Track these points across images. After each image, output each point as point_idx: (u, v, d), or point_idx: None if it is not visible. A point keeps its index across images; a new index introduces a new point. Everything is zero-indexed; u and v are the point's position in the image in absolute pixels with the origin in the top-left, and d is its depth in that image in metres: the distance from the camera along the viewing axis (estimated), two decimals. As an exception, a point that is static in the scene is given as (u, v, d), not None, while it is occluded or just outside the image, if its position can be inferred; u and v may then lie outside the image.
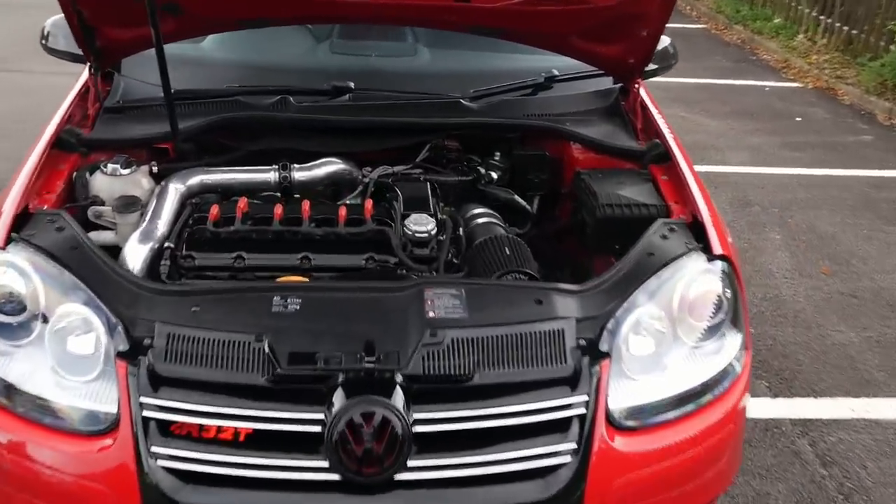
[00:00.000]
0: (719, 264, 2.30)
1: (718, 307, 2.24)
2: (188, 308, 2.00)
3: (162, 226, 2.40)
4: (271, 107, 2.83)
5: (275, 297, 2.03)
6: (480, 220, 2.57)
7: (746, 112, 8.32)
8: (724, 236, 2.42)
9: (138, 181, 2.59)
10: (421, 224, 2.34)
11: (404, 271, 2.29)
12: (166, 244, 2.33)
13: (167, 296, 2.04)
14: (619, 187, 2.63)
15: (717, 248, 2.33)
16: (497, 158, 2.89)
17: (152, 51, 2.73)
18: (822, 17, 10.63)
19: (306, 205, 2.42)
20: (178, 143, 2.67)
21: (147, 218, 2.40)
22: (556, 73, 3.09)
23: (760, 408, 3.68)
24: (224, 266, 2.32)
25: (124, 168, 2.55)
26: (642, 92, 3.11)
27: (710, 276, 2.26)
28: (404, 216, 2.41)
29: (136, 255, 2.28)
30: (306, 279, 2.15)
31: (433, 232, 2.34)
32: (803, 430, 3.59)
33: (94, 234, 2.46)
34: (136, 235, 2.34)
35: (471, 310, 2.02)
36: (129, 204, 2.45)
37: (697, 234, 2.39)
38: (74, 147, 2.63)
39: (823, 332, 4.37)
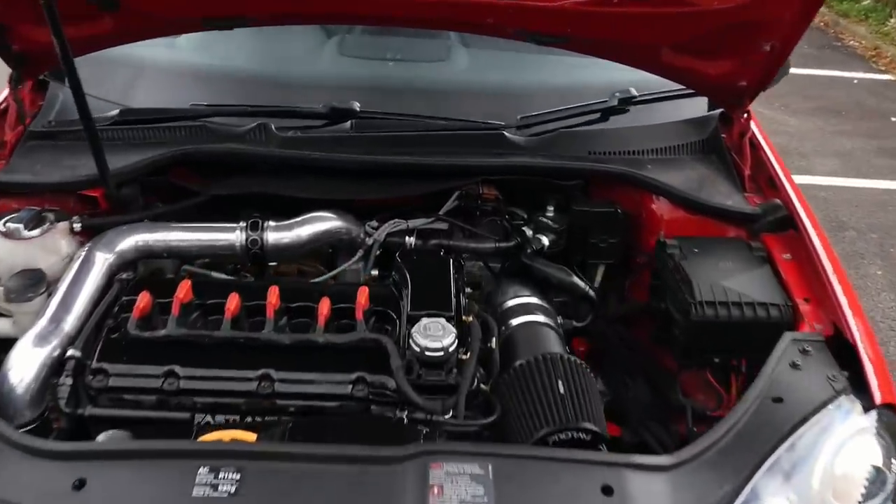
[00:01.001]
0: (877, 416, 1.52)
1: (876, 485, 1.46)
2: (68, 482, 1.30)
3: (72, 319, 1.70)
4: (247, 135, 2.10)
5: (200, 470, 1.32)
6: (521, 319, 1.80)
7: (833, 109, 7.30)
8: (882, 362, 1.63)
9: (53, 246, 1.88)
10: (434, 335, 1.58)
11: (404, 414, 1.55)
12: (70, 351, 1.62)
13: (37, 459, 1.34)
14: (724, 273, 1.84)
15: (876, 391, 1.54)
16: (550, 214, 2.11)
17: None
18: (919, -1, 9.45)
19: (273, 294, 1.69)
20: (111, 189, 1.95)
21: (51, 307, 1.70)
22: (633, 92, 2.27)
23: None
24: (149, 388, 1.60)
25: (30, 227, 1.84)
26: (753, 124, 2.29)
27: (867, 440, 1.48)
28: (411, 319, 1.66)
29: (24, 366, 1.58)
30: (251, 435, 1.42)
31: (451, 348, 1.59)
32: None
33: (-18, 323, 1.77)
34: (29, 336, 1.63)
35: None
36: (28, 285, 1.74)
37: (840, 354, 1.61)
38: (-30, 192, 1.94)
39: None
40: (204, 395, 1.60)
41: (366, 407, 1.61)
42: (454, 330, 1.60)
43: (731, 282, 1.82)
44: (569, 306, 2.08)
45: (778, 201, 2.03)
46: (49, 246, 1.86)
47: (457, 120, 2.18)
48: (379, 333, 1.67)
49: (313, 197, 2.04)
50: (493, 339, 1.69)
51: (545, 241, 2.05)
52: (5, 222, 1.83)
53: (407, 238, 2.07)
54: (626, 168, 2.10)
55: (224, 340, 1.63)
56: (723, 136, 2.27)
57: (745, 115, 2.21)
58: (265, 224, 1.96)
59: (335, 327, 1.71)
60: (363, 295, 1.69)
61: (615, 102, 2.25)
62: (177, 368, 1.61)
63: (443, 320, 1.62)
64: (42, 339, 1.62)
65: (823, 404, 1.50)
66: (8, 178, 1.97)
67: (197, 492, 1.29)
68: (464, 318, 1.71)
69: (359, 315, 1.66)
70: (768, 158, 2.19)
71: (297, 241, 1.97)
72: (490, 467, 1.34)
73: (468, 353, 1.61)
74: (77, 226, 1.91)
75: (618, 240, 2.13)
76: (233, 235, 1.95)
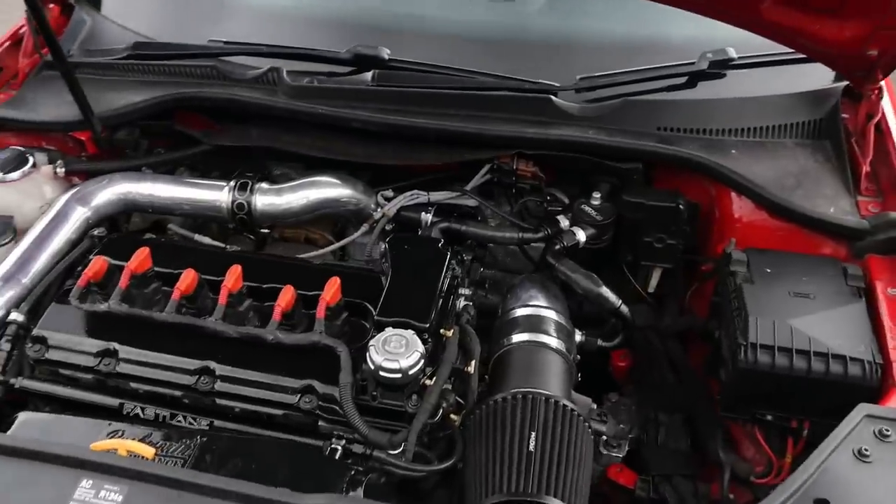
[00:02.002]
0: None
1: None
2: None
3: (31, 274, 1.56)
4: (257, 80, 1.85)
5: (83, 482, 1.14)
6: (523, 337, 1.46)
7: None
8: None
9: (34, 190, 1.74)
10: (393, 353, 1.29)
11: (346, 445, 1.29)
12: (12, 314, 1.48)
13: None
14: (798, 306, 1.42)
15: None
16: (595, 203, 1.72)
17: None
18: None
19: (231, 276, 1.46)
20: (96, 132, 1.77)
21: (8, 261, 1.56)
22: (731, 53, 1.79)
23: None
24: (84, 366, 1.44)
25: (7, 170, 1.70)
26: (886, 103, 1.77)
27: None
28: (378, 325, 1.38)
29: (-32, 323, 1.47)
30: (150, 450, 1.21)
31: (412, 371, 1.29)
32: None
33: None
34: (-20, 288, 1.51)
35: None
36: (-8, 232, 1.61)
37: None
38: (-33, 125, 1.83)
39: None
40: (140, 382, 1.42)
41: (313, 421, 1.37)
42: (420, 348, 1.31)
43: (804, 320, 1.39)
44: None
45: (894, 214, 1.54)
46: (30, 191, 1.73)
47: (499, 76, 1.81)
48: (340, 334, 1.41)
49: (322, 156, 1.78)
50: (473, 363, 1.38)
51: (581, 236, 1.68)
52: (-16, 162, 1.71)
53: (423, 214, 1.78)
54: (699, 153, 1.67)
55: (166, 325, 1.43)
56: (844, 116, 1.77)
57: (876, 93, 1.70)
58: (255, 186, 1.72)
59: (301, 319, 1.47)
60: (331, 288, 1.43)
61: (705, 65, 1.78)
62: (117, 347, 1.43)
63: (410, 333, 1.32)
64: (-7, 293, 1.49)
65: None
66: (4, 112, 1.84)
67: (74, 507, 1.12)
68: (443, 330, 1.40)
69: (319, 312, 1.40)
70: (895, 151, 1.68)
71: (288, 208, 1.72)
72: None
73: (433, 378, 1.31)
74: (60, 170, 1.76)
75: (678, 241, 1.72)
76: (220, 195, 1.73)
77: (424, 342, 1.35)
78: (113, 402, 1.42)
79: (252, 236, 1.88)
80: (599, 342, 1.63)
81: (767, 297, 1.44)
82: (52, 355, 1.45)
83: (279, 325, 1.41)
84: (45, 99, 1.88)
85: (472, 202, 1.80)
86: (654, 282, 1.83)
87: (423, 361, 1.31)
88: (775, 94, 1.80)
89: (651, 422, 1.61)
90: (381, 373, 1.29)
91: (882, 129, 1.74)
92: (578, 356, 1.59)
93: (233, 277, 1.45)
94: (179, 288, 1.44)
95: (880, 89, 1.70)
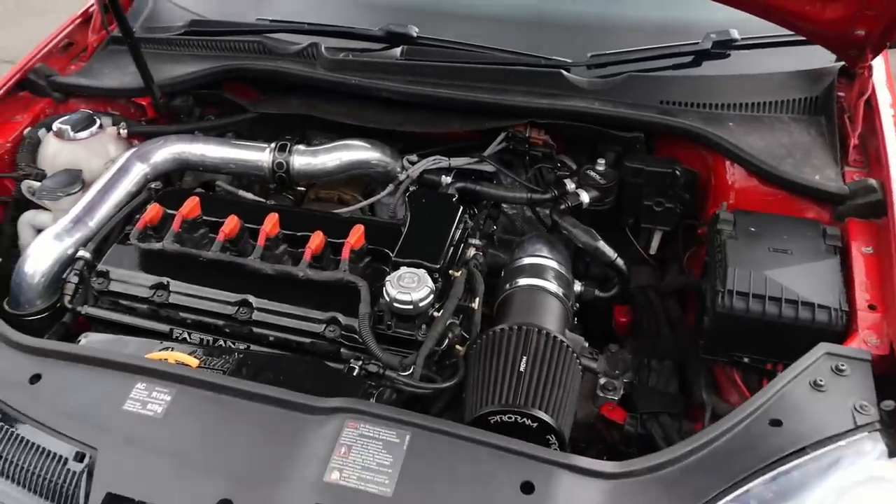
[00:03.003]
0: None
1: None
2: (26, 375, 1.39)
3: (94, 221, 1.79)
4: (299, 54, 2.05)
5: (137, 385, 1.35)
6: (526, 281, 1.64)
7: None
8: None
9: (100, 149, 1.97)
10: (406, 287, 1.48)
11: (363, 365, 1.48)
12: (80, 251, 1.71)
13: (5, 348, 1.43)
14: (776, 260, 1.56)
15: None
16: (600, 168, 1.88)
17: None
18: None
19: (269, 221, 1.66)
20: (156, 99, 2.00)
21: (76, 207, 1.79)
22: (734, 34, 1.93)
23: None
24: (140, 297, 1.66)
25: (77, 130, 1.93)
26: (878, 78, 1.89)
27: (880, 493, 1.21)
28: (394, 265, 1.57)
29: (40, 259, 1.69)
30: (194, 361, 1.42)
31: (423, 303, 1.48)
32: None
33: (29, 215, 1.91)
34: (49, 231, 1.74)
35: (402, 483, 1.19)
36: (62, 184, 1.84)
37: (890, 382, 1.33)
38: (43, 90, 2.06)
39: None
40: (188, 312, 1.63)
41: (336, 348, 1.56)
42: (430, 284, 1.49)
43: (781, 272, 1.54)
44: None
45: (872, 181, 1.67)
46: (96, 149, 1.95)
47: (517, 53, 1.98)
48: (362, 276, 1.60)
49: (355, 123, 1.97)
50: (477, 299, 1.56)
51: (584, 197, 1.84)
52: (59, 123, 1.94)
53: (443, 177, 1.96)
54: (697, 124, 1.81)
55: (212, 261, 1.64)
56: (840, 94, 1.89)
57: (866, 71, 1.82)
58: (293, 147, 1.92)
59: (329, 262, 1.66)
60: (356, 233, 1.62)
61: (709, 45, 1.93)
62: (169, 281, 1.65)
63: (422, 272, 1.51)
64: (61, 236, 1.72)
65: (832, 438, 1.24)
66: (75, 80, 2.07)
67: (128, 405, 1.33)
68: (451, 271, 1.59)
69: (345, 254, 1.59)
70: (882, 126, 1.79)
71: (322, 168, 1.92)
72: (407, 437, 1.24)
73: (441, 313, 1.50)
74: (123, 132, 1.98)
75: (675, 205, 1.87)
76: (262, 155, 1.94)
77: (435, 280, 1.54)
78: (164, 328, 1.63)
79: (291, 196, 2.09)
80: (597, 292, 1.79)
81: (748, 251, 1.58)
82: (114, 287, 1.67)
83: (309, 265, 1.60)
84: (111, 70, 2.12)
85: (489, 167, 1.98)
86: (655, 244, 1.97)
87: (432, 296, 1.49)
88: (775, 72, 1.94)
89: (644, 367, 1.76)
90: (395, 304, 1.48)
91: (872, 104, 1.86)
92: (577, 304, 1.75)
93: (270, 223, 1.65)
94: (224, 231, 1.65)
95: (870, 67, 1.81)
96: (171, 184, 2.05)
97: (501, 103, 1.88)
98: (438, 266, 1.55)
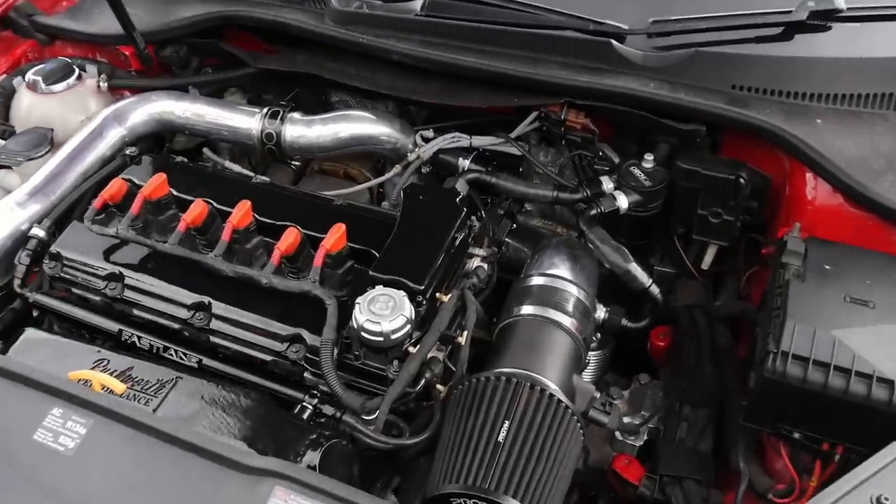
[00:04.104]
0: None
1: None
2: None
3: (60, 190, 1.58)
4: (304, 2, 1.76)
5: (53, 410, 1.15)
6: (530, 310, 1.34)
7: None
8: None
9: (78, 104, 1.75)
10: (378, 314, 1.21)
11: (317, 405, 1.24)
12: (34, 229, 1.51)
13: None
14: (851, 314, 1.22)
15: None
16: (647, 166, 1.54)
17: None
18: None
19: (240, 211, 1.41)
20: (139, 48, 1.75)
21: (38, 174, 1.59)
22: (839, 3, 1.52)
23: None
24: (93, 287, 1.45)
25: (50, 82, 1.71)
26: None
27: None
28: (372, 280, 1.30)
29: (-3, 229, 1.50)
30: (121, 386, 1.20)
31: (397, 335, 1.21)
32: None
33: (-1, 175, 1.73)
34: (11, 198, 1.55)
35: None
36: (28, 145, 1.63)
37: None
38: (26, 31, 1.85)
39: None
40: (141, 310, 1.42)
41: (300, 370, 1.32)
42: (408, 311, 1.22)
43: (856, 332, 1.20)
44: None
45: None
46: (73, 103, 1.73)
47: (562, 13, 1.63)
48: (340, 284, 1.34)
49: (364, 87, 1.69)
50: (465, 333, 1.28)
51: (622, 201, 1.51)
52: (32, 73, 1.72)
53: (461, 160, 1.66)
54: (774, 121, 1.44)
55: (168, 257, 1.41)
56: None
57: None
58: (286, 115, 1.65)
59: (307, 261, 1.41)
60: (334, 234, 1.35)
61: (804, 15, 1.53)
62: (124, 272, 1.44)
63: (400, 295, 1.24)
64: (17, 209, 1.53)
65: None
66: (59, 21, 1.85)
67: (39, 435, 1.14)
68: (439, 294, 1.31)
69: (317, 260, 1.33)
70: None
71: (317, 142, 1.65)
72: (342, 520, 1.01)
73: (416, 346, 1.23)
74: (103, 84, 1.75)
75: (736, 217, 1.52)
76: (252, 122, 1.68)
77: (418, 304, 1.27)
78: (114, 327, 1.43)
79: (293, 167, 1.84)
80: (625, 321, 1.48)
81: (816, 299, 1.24)
82: (67, 273, 1.47)
83: (276, 269, 1.36)
84: (103, 11, 1.87)
85: (515, 151, 1.67)
86: (708, 259, 1.64)
87: (408, 327, 1.22)
88: (885, 56, 1.53)
89: (674, 413, 1.47)
90: (364, 334, 1.22)
91: None
92: (598, 334, 1.46)
93: (240, 214, 1.41)
94: (186, 219, 1.41)
95: None
96: (160, 146, 1.82)
97: (534, 77, 1.55)
98: (422, 287, 1.28)
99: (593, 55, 1.56)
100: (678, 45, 1.56)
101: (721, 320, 1.57)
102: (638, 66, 1.55)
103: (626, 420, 1.46)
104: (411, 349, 1.23)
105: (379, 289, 1.25)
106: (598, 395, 1.31)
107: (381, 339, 1.22)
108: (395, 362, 1.24)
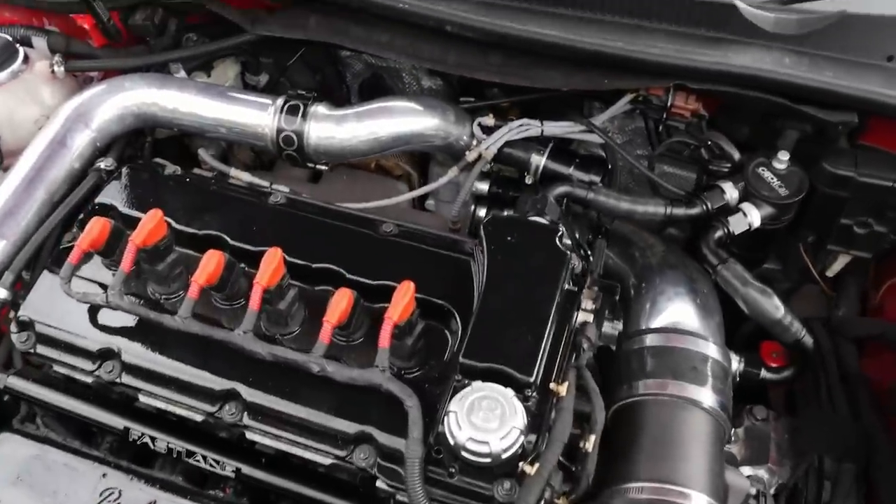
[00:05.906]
0: None
1: None
2: None
3: (21, 223, 1.21)
4: None
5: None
6: (659, 386, 1.04)
7: None
8: None
9: (26, 96, 1.33)
10: (483, 426, 0.91)
11: None
12: (-7, 283, 1.14)
13: None
14: None
15: None
16: (781, 167, 1.21)
17: None
18: None
19: (270, 263, 1.05)
20: (100, 16, 1.32)
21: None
22: None
23: None
24: (80, 367, 1.11)
25: (-10, 67, 1.29)
26: None
27: None
28: (463, 370, 0.98)
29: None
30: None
31: (508, 454, 0.91)
32: None
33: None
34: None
35: None
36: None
37: None
38: (-57, -6, 1.40)
39: None
40: (150, 397, 1.09)
41: (371, 478, 1.03)
42: (521, 422, 0.91)
43: None
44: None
45: None
46: (21, 96, 1.33)
47: None
48: (410, 355, 1.03)
49: (402, 59, 1.31)
50: (592, 439, 0.98)
51: (754, 217, 1.19)
52: (-41, 56, 1.29)
53: (534, 156, 1.31)
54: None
55: (179, 336, 1.06)
56: None
57: None
58: (308, 110, 1.27)
59: (361, 322, 1.08)
60: (401, 300, 1.01)
61: None
62: (121, 347, 1.10)
63: (508, 395, 0.93)
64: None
65: None
66: None
67: None
68: (553, 385, 0.99)
69: (383, 341, 1.00)
70: None
71: (350, 144, 1.28)
72: None
73: (535, 464, 0.93)
74: (59, 69, 1.33)
75: (889, 229, 1.21)
76: (263, 118, 1.29)
77: (525, 400, 0.96)
78: (118, 423, 1.10)
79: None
80: (763, 373, 1.20)
81: None
82: (43, 349, 1.12)
83: (327, 348, 1.02)
84: None
85: (597, 140, 1.32)
86: (837, 267, 1.35)
87: (522, 439, 0.92)
88: None
89: (812, 469, 1.21)
90: (465, 454, 0.92)
91: None
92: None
93: (269, 269, 1.05)
94: (198, 281, 1.06)
95: None
96: (141, 135, 1.41)
97: (636, 56, 1.18)
98: (532, 378, 0.97)
99: (713, 21, 1.19)
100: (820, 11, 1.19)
101: (847, 339, 1.30)
102: (769, 34, 1.18)
103: (747, 471, 1.21)
104: (528, 469, 0.93)
105: (478, 388, 0.94)
106: (753, 491, 1.03)
107: (489, 460, 0.92)
108: (506, 483, 0.94)
